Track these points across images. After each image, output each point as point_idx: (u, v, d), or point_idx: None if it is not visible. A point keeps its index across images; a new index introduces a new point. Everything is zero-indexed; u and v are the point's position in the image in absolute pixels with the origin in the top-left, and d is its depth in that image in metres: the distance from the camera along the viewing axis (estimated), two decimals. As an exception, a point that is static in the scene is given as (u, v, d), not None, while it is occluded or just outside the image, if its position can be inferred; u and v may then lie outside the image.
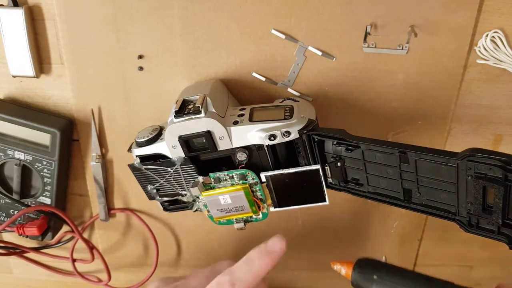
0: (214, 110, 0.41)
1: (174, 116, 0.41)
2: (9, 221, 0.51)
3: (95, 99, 0.50)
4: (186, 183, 0.45)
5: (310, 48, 0.46)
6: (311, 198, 0.44)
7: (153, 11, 0.45)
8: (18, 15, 0.45)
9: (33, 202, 0.53)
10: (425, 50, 0.45)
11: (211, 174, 0.44)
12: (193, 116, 0.40)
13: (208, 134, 0.41)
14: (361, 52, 0.46)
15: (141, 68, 0.48)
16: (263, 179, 0.43)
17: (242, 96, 0.49)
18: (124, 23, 0.46)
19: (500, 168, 0.33)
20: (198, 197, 0.46)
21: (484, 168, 0.34)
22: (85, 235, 0.59)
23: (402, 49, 0.45)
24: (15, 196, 0.53)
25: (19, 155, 0.51)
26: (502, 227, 0.36)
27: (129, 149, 0.45)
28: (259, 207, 0.45)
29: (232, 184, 0.44)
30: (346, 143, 0.41)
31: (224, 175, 0.44)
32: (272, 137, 0.40)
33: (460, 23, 0.44)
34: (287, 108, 0.43)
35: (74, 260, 0.58)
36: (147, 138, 0.43)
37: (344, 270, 0.37)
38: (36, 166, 0.51)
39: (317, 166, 0.42)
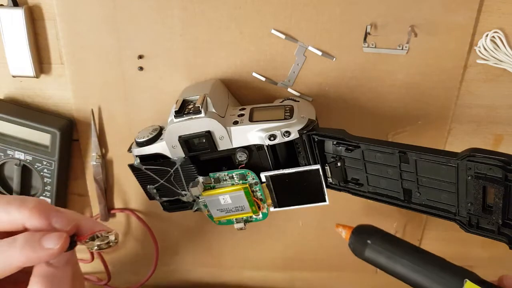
0: (214, 110, 0.41)
1: (174, 116, 0.41)
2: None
3: (95, 99, 0.50)
4: (186, 183, 0.45)
5: (310, 48, 0.46)
6: (311, 198, 0.44)
7: (153, 11, 0.45)
8: (18, 15, 0.45)
9: (33, 202, 0.53)
10: (425, 50, 0.45)
11: (211, 174, 0.44)
12: (193, 116, 0.40)
13: (208, 134, 0.41)
14: (361, 52, 0.46)
15: (141, 68, 0.48)
16: (263, 179, 0.43)
17: (242, 96, 0.49)
18: (124, 23, 0.46)
19: (500, 168, 0.33)
20: (198, 197, 0.46)
21: (484, 168, 0.34)
22: (85, 235, 0.59)
23: (402, 49, 0.45)
24: (15, 196, 0.53)
25: (19, 155, 0.51)
26: (502, 227, 0.36)
27: (129, 149, 0.45)
28: (259, 207, 0.45)
29: (232, 184, 0.44)
30: (346, 143, 0.41)
31: (224, 175, 0.44)
32: (272, 137, 0.40)
33: (460, 23, 0.44)
34: (287, 108, 0.43)
35: (74, 260, 0.58)
36: (147, 138, 0.43)
37: (344, 232, 0.39)
38: (36, 166, 0.51)
39: (317, 166, 0.42)
